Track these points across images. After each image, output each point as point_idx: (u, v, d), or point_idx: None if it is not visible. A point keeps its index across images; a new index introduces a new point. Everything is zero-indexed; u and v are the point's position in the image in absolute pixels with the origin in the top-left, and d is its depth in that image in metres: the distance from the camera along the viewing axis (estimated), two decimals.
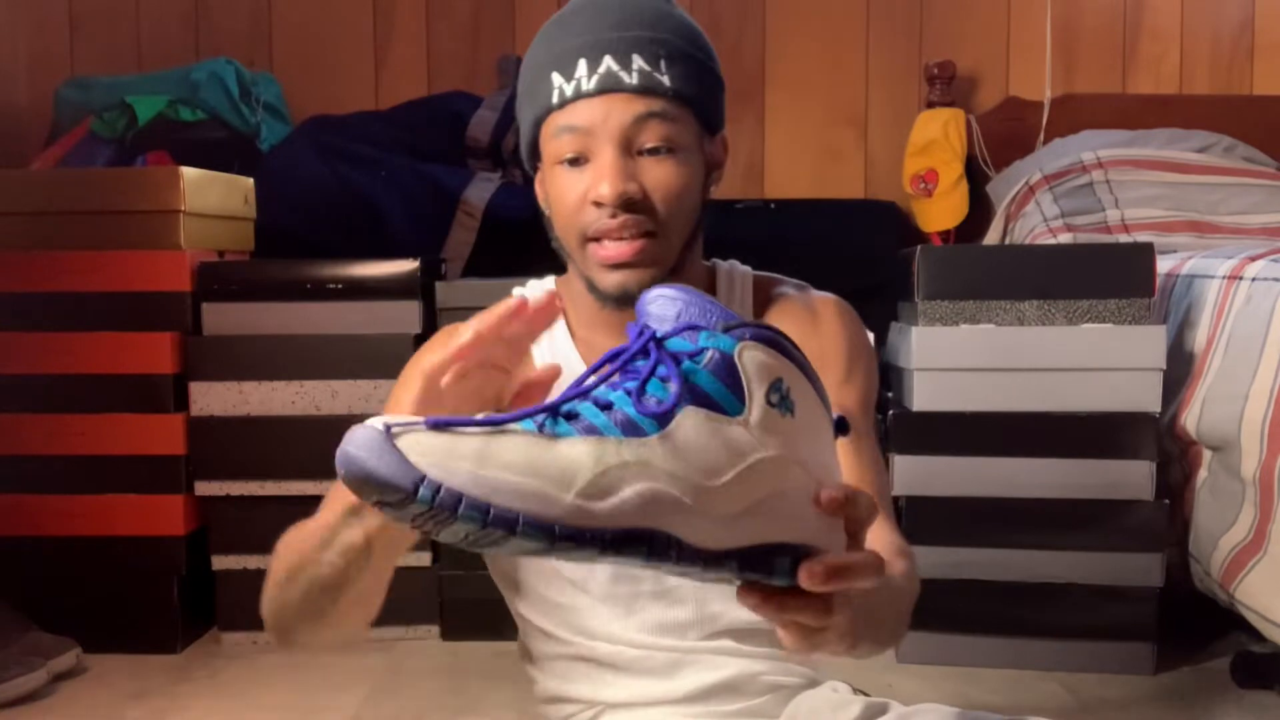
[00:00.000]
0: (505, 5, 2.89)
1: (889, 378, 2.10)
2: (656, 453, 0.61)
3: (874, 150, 2.94)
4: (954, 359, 1.91)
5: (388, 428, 0.58)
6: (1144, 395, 1.87)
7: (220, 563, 2.10)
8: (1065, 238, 2.44)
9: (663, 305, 0.67)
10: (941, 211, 2.76)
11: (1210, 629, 2.02)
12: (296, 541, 1.00)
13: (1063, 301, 1.89)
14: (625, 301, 1.01)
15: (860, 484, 1.04)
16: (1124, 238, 2.43)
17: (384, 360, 2.07)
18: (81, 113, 2.59)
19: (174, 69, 2.65)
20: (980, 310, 1.91)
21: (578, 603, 1.10)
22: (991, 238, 2.64)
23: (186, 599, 2.09)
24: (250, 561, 2.09)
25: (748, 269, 1.14)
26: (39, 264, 2.06)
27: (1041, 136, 2.83)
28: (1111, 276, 1.89)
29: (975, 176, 2.82)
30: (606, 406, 0.62)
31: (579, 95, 0.99)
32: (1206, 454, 1.84)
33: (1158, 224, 2.46)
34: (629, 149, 0.99)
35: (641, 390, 0.63)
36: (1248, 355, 1.71)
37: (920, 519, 1.94)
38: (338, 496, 0.95)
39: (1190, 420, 1.84)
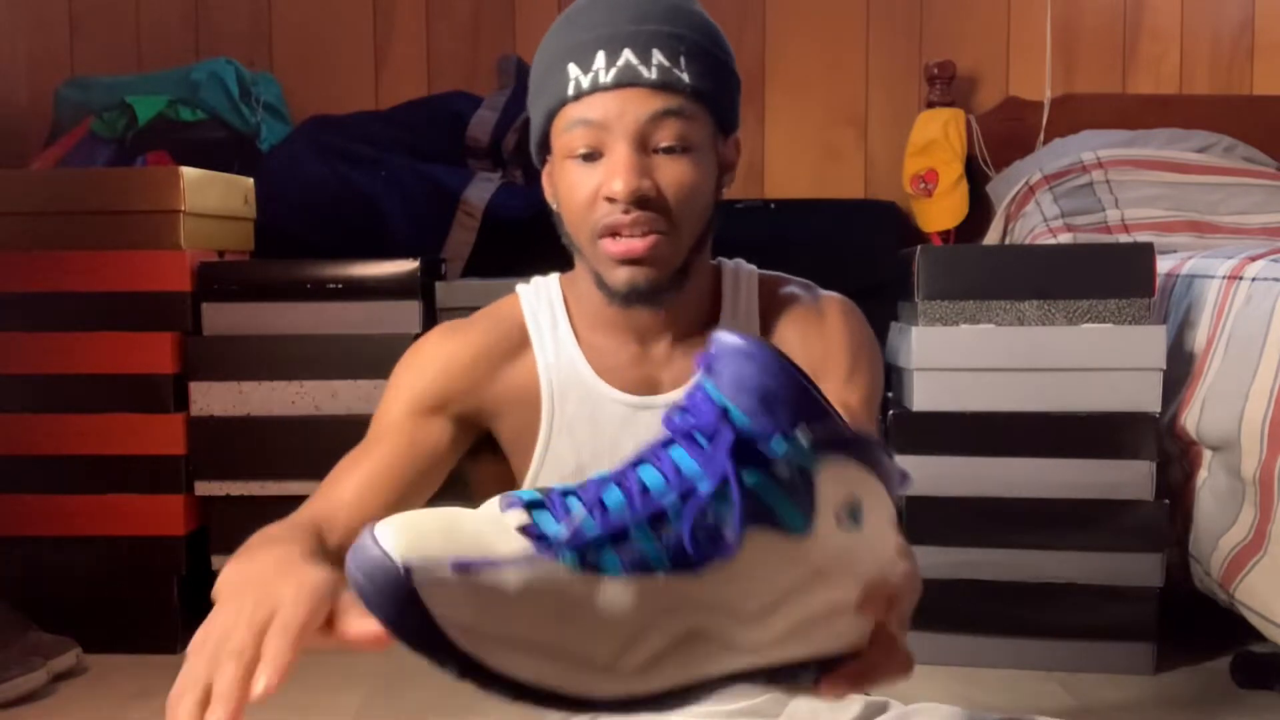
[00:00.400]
0: (505, 5, 2.89)
1: (889, 378, 2.10)
2: (706, 587, 0.51)
3: (874, 150, 2.94)
4: (954, 359, 1.91)
5: (408, 571, 0.51)
6: (1144, 395, 1.87)
7: (220, 563, 2.08)
8: (1065, 238, 2.44)
9: (739, 368, 0.56)
10: (941, 211, 2.76)
11: (1210, 629, 2.02)
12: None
13: (1063, 301, 1.89)
14: (633, 298, 1.01)
15: None
16: (1124, 238, 2.43)
17: (384, 360, 2.04)
18: (81, 113, 2.59)
19: (174, 69, 2.65)
20: (980, 310, 1.91)
21: None
22: (991, 238, 2.64)
23: (186, 599, 2.09)
24: None
25: (753, 268, 1.13)
26: (39, 264, 2.06)
27: (1041, 136, 2.83)
28: (1111, 276, 1.89)
29: (975, 176, 2.82)
30: (659, 519, 0.52)
31: (596, 88, 0.98)
32: (1206, 454, 1.84)
33: (1158, 224, 2.46)
34: (644, 146, 0.98)
35: (700, 520, 0.52)
36: (1248, 355, 1.71)
37: (920, 519, 1.94)
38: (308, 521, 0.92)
39: (1190, 420, 1.84)
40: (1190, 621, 2.01)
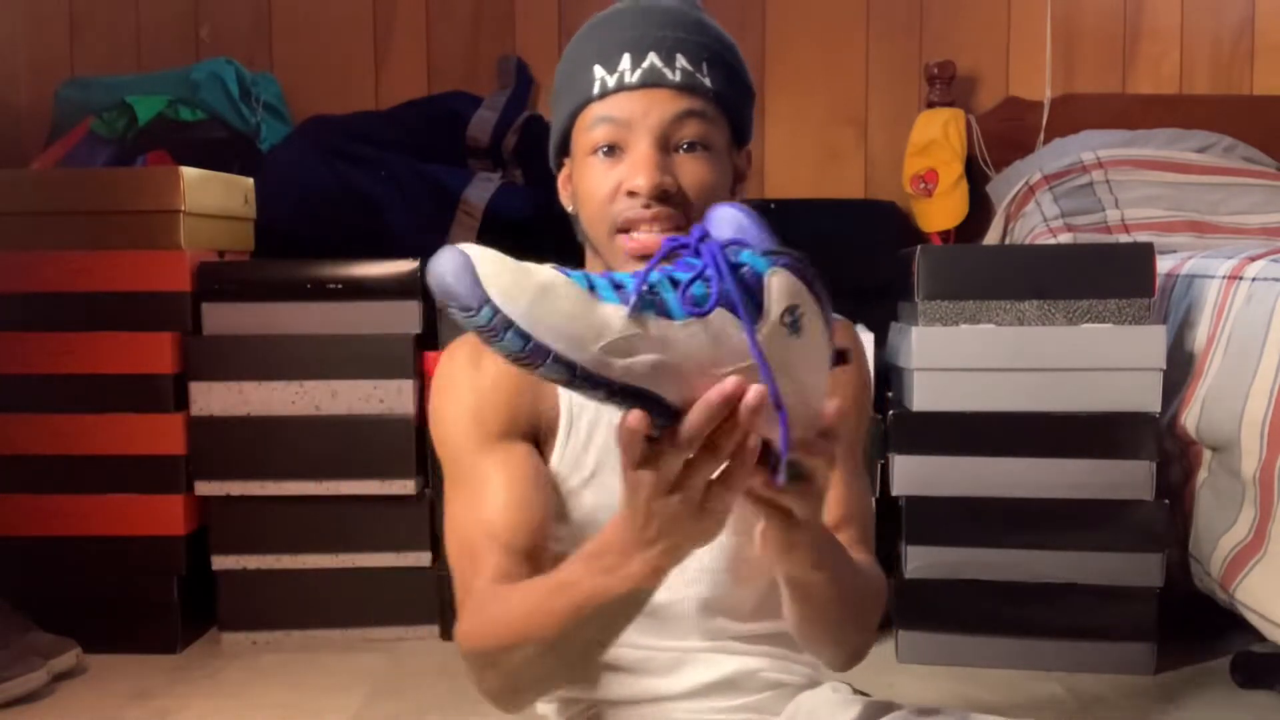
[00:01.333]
0: (505, 5, 2.89)
1: (889, 378, 2.10)
2: (679, 335, 0.73)
3: (874, 150, 2.94)
4: (954, 359, 1.91)
5: (468, 255, 0.70)
6: (1144, 395, 1.87)
7: (220, 563, 2.10)
8: (1065, 238, 2.44)
9: (725, 219, 0.79)
10: (941, 211, 2.76)
11: (1210, 629, 2.02)
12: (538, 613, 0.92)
13: (1063, 301, 1.89)
14: None
15: (846, 511, 1.07)
16: (1124, 238, 2.43)
17: (384, 360, 2.07)
18: (81, 113, 2.59)
19: (174, 69, 2.65)
20: (980, 310, 1.91)
21: None
22: (991, 238, 2.64)
23: (186, 599, 2.09)
24: (250, 561, 2.09)
25: None
26: (39, 264, 2.06)
27: (1041, 136, 2.83)
28: (1111, 276, 1.89)
29: (975, 176, 2.82)
30: (651, 288, 0.74)
31: (621, 87, 1.00)
32: (1206, 454, 1.84)
33: (1158, 224, 2.46)
34: (665, 145, 1.00)
35: (688, 286, 0.74)
36: (1248, 355, 1.71)
37: (920, 519, 1.94)
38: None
39: (1190, 420, 1.84)
40: (1190, 621, 2.01)
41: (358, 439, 2.07)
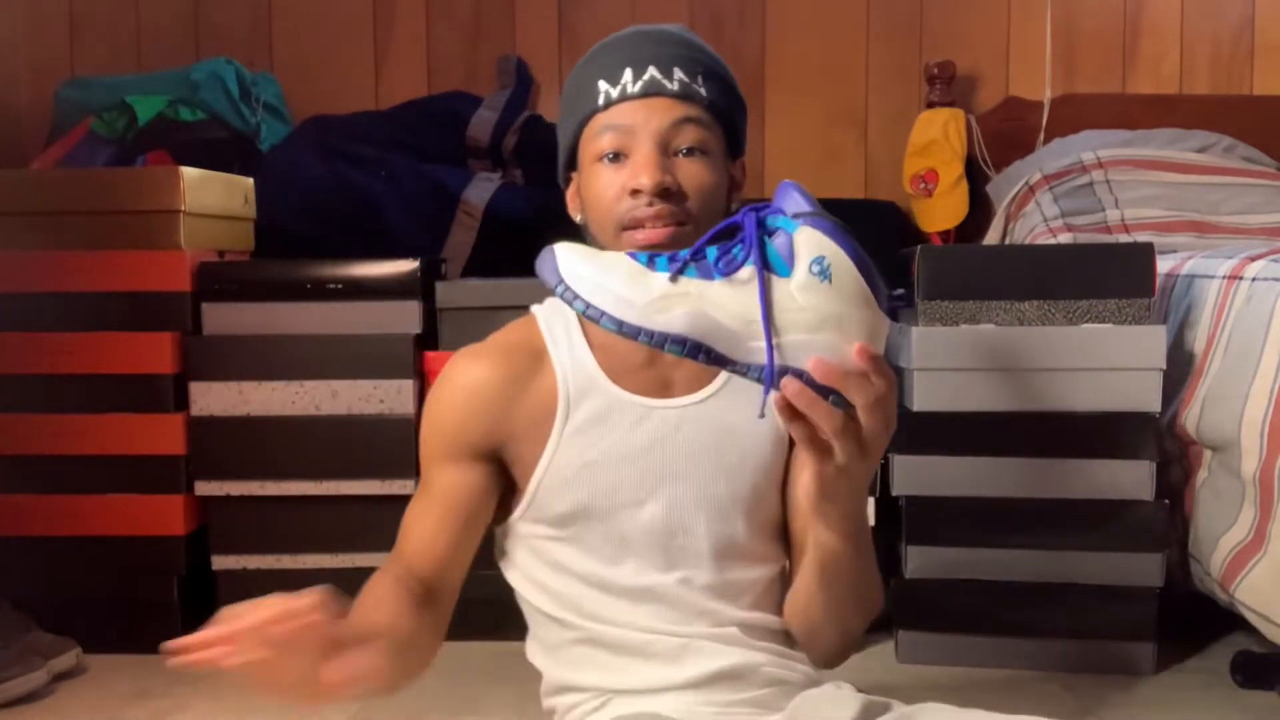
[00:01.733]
0: (505, 5, 2.89)
1: None
2: (714, 292, 0.88)
3: (874, 150, 2.94)
4: (954, 359, 1.91)
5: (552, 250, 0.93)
6: (1144, 395, 1.87)
7: (220, 563, 2.10)
8: (1065, 238, 2.44)
9: (783, 193, 0.92)
10: (941, 211, 2.76)
11: (1210, 629, 2.02)
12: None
13: (1063, 301, 1.89)
14: None
15: None
16: (1124, 238, 2.43)
17: (384, 360, 2.07)
18: (81, 113, 2.59)
19: (174, 69, 2.65)
20: (980, 310, 1.91)
21: (589, 594, 1.15)
22: (991, 238, 2.64)
23: (186, 599, 2.09)
24: (250, 561, 2.09)
25: None
26: (39, 264, 2.06)
27: (1041, 136, 2.83)
28: (1111, 276, 1.89)
29: (975, 176, 2.82)
30: (698, 257, 0.91)
31: (624, 97, 1.10)
32: (1206, 454, 1.84)
33: (1158, 224, 2.46)
34: (666, 149, 1.09)
35: (725, 252, 0.90)
36: (1248, 355, 1.71)
37: (920, 519, 1.94)
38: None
39: (1190, 420, 1.84)
40: (1190, 621, 2.01)
41: (358, 439, 2.07)
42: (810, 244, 0.88)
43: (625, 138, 1.09)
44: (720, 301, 0.88)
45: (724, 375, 1.16)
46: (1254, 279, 1.78)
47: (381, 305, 2.09)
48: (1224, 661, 1.86)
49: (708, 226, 1.06)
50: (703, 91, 1.11)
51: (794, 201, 0.90)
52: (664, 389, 1.15)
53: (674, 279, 0.88)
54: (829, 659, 1.17)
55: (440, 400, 1.20)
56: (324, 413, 2.07)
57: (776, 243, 0.88)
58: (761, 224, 0.90)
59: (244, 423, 2.07)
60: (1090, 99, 2.87)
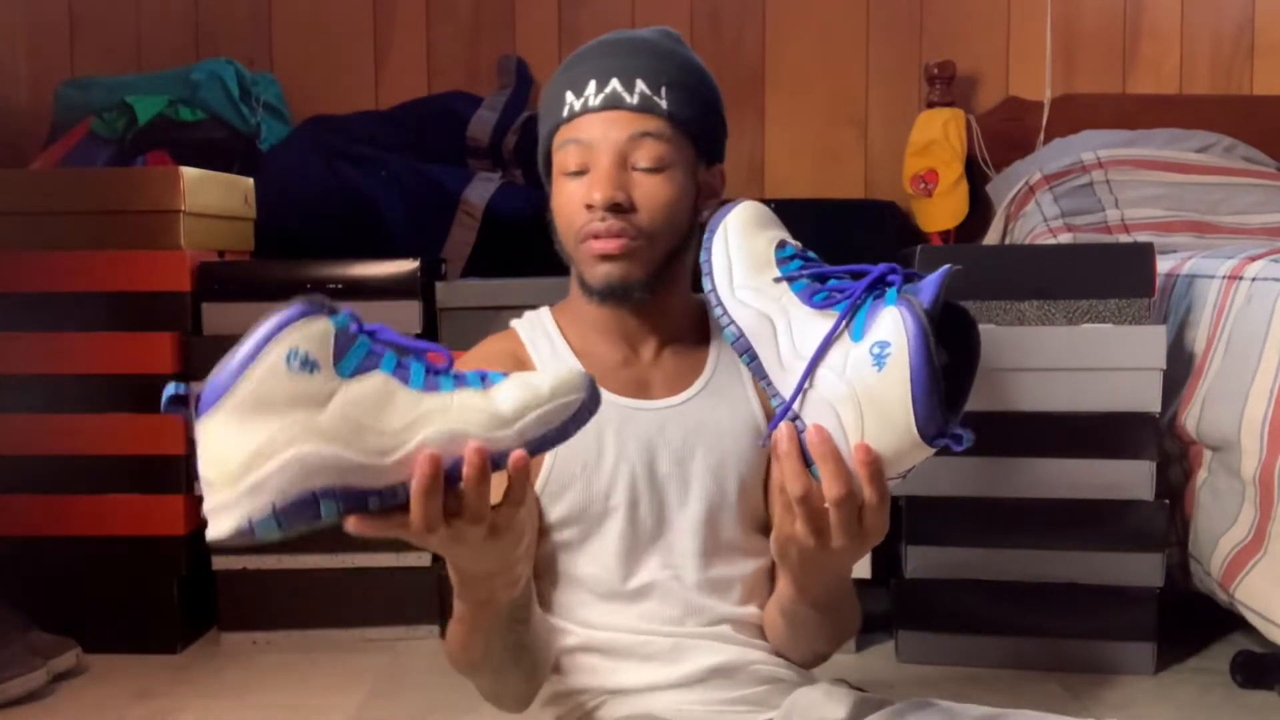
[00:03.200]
0: (505, 5, 2.89)
1: None
2: (798, 313, 0.92)
3: (874, 150, 2.94)
4: None
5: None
6: (1144, 395, 1.87)
7: (220, 563, 2.10)
8: (1065, 238, 2.44)
9: (930, 277, 0.92)
10: (941, 211, 2.76)
11: (1210, 629, 2.02)
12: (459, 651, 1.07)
13: (1063, 301, 1.89)
14: (608, 293, 1.13)
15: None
16: (1124, 238, 2.43)
17: None
18: (81, 113, 2.58)
19: (174, 69, 2.65)
20: (980, 310, 1.91)
21: (581, 599, 1.16)
22: (991, 238, 2.64)
23: (186, 599, 2.09)
24: (250, 561, 2.09)
25: None
26: (39, 264, 2.06)
27: (1041, 136, 2.83)
28: (1111, 276, 1.89)
29: (975, 176, 2.82)
30: (825, 278, 0.95)
31: (585, 110, 1.13)
32: (1206, 454, 1.84)
33: (1158, 224, 2.46)
34: (624, 163, 1.11)
35: (838, 289, 0.93)
36: (1248, 355, 1.71)
37: (920, 519, 1.94)
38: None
39: (1190, 420, 1.84)
40: (1190, 621, 2.01)
41: None
42: (888, 326, 0.85)
43: (586, 151, 1.12)
44: (794, 325, 0.89)
45: (703, 378, 1.19)
46: (1254, 279, 1.78)
47: (381, 305, 2.09)
48: (1224, 661, 1.86)
49: (664, 240, 1.13)
50: (663, 104, 1.12)
51: (927, 286, 0.89)
52: (642, 389, 1.18)
53: (780, 281, 0.91)
54: (805, 666, 1.19)
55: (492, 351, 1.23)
56: None
57: (879, 308, 0.87)
58: (880, 282, 0.90)
59: None
60: (1090, 99, 2.87)
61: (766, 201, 0.98)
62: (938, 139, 2.75)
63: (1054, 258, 2.04)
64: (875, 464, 0.84)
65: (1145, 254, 1.91)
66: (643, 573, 1.14)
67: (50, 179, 2.24)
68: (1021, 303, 1.90)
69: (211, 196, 2.18)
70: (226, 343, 0.81)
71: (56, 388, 2.05)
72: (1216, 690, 1.82)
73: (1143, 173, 2.54)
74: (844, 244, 2.56)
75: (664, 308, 1.18)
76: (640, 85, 1.12)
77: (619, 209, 1.10)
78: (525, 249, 2.38)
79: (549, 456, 1.13)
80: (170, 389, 0.83)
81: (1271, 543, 1.64)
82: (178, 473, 2.05)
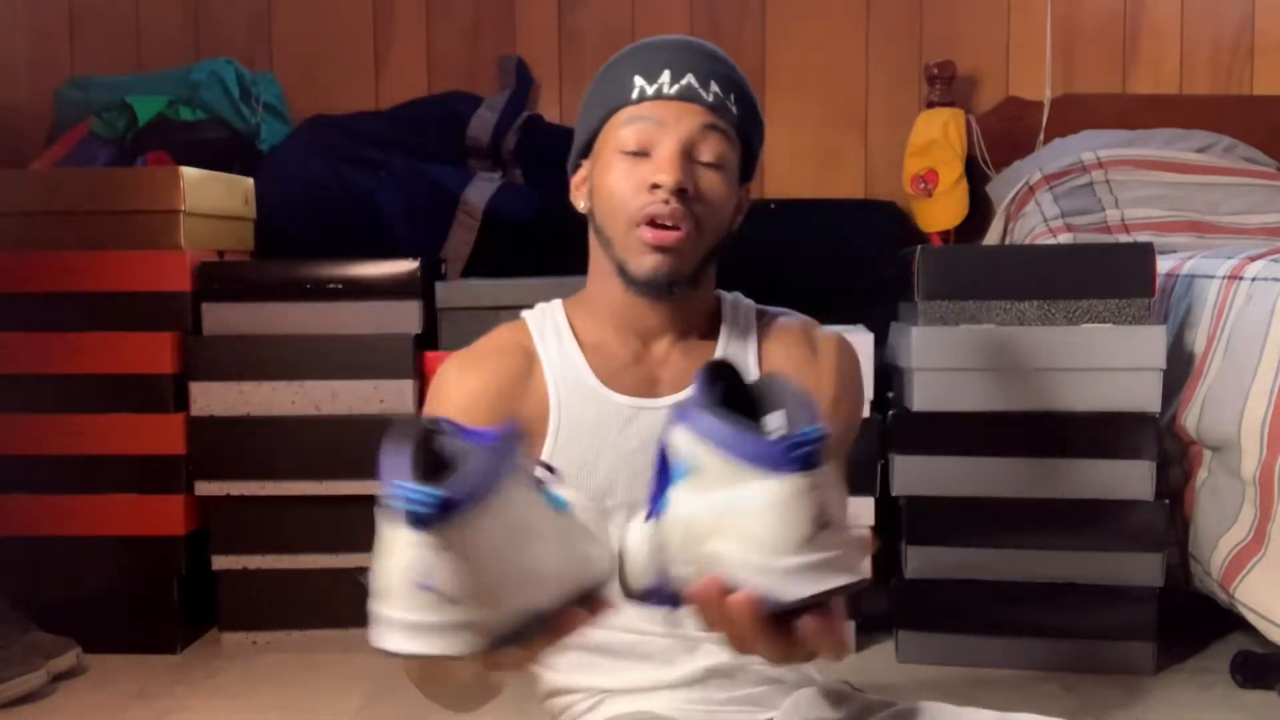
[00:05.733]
0: (505, 5, 2.89)
1: (889, 378, 2.10)
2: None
3: (874, 150, 2.94)
4: (954, 359, 1.91)
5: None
6: (1144, 395, 1.87)
7: (220, 563, 2.10)
8: (1065, 238, 2.44)
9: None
10: (941, 211, 2.76)
11: (1210, 629, 2.02)
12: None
13: (1063, 301, 1.89)
14: (651, 286, 1.11)
15: None
16: (1124, 238, 2.43)
17: (384, 360, 2.07)
18: (81, 113, 2.58)
19: (174, 69, 2.65)
20: (980, 310, 1.91)
21: None
22: (991, 238, 2.64)
23: (186, 599, 2.09)
24: (250, 561, 2.09)
25: (750, 301, 1.23)
26: (39, 264, 2.06)
27: (1041, 136, 2.83)
28: (1111, 276, 1.89)
29: (975, 176, 2.81)
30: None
31: (660, 95, 1.10)
32: (1206, 454, 1.84)
33: (1158, 224, 2.46)
34: (689, 153, 1.09)
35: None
36: (1248, 355, 1.71)
37: (920, 519, 1.94)
38: None
39: (1190, 420, 1.84)
40: (1190, 621, 2.01)
41: (358, 439, 2.06)
42: (679, 445, 0.79)
43: (653, 132, 1.09)
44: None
45: None
46: (1254, 279, 1.78)
47: (381, 305, 2.09)
48: (1224, 661, 1.87)
49: (712, 236, 1.12)
50: (734, 109, 1.12)
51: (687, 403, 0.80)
52: (649, 387, 1.16)
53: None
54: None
55: (443, 400, 1.18)
56: (324, 413, 2.07)
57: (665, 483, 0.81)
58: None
59: (244, 423, 2.07)
60: (1090, 99, 2.87)
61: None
62: (938, 139, 2.75)
63: (1054, 258, 2.04)
64: (747, 614, 0.77)
65: (1145, 254, 1.91)
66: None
67: (50, 179, 2.24)
68: (1021, 303, 1.90)
69: (211, 196, 2.18)
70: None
71: (56, 388, 2.05)
72: (1216, 690, 1.82)
73: (1143, 173, 2.54)
74: (844, 244, 2.60)
75: (687, 307, 1.17)
76: (715, 86, 1.12)
77: (683, 194, 1.08)
78: (525, 249, 2.38)
79: (543, 456, 1.13)
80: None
81: (1271, 543, 1.64)
82: (178, 473, 2.06)
